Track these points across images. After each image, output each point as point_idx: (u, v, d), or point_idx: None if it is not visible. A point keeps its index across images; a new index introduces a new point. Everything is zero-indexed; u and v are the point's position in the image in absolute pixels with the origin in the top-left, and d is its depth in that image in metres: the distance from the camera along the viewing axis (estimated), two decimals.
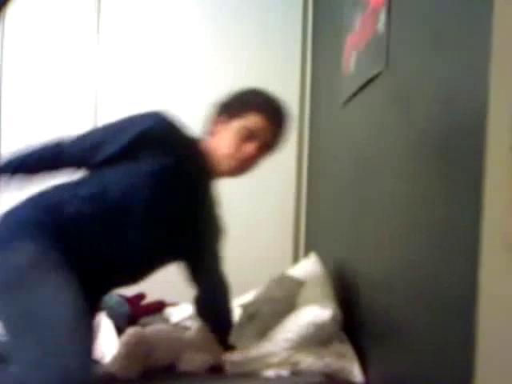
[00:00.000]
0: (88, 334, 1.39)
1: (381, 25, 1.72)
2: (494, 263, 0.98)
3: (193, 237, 1.70)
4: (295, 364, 1.75)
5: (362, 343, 1.84)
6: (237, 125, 1.67)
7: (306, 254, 2.96)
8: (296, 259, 3.02)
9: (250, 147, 1.67)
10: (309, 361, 1.75)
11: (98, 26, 3.22)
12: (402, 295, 1.52)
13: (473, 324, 1.04)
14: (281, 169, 3.01)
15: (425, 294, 1.35)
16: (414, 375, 1.43)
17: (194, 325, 1.90)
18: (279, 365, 1.75)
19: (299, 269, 2.26)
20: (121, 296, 2.27)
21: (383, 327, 1.68)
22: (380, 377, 1.69)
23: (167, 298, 2.51)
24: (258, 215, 2.99)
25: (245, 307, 2.01)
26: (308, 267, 2.22)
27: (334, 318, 1.81)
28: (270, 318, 1.92)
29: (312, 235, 2.90)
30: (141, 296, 2.39)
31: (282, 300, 1.99)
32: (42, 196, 1.52)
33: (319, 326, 1.78)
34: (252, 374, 1.74)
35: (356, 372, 1.75)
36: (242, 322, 1.96)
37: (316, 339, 1.79)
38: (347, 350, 1.82)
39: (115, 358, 1.66)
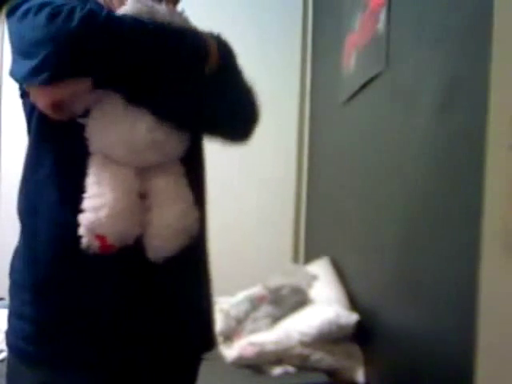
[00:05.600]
0: None
1: (381, 25, 1.72)
2: (494, 263, 0.98)
3: None
4: (305, 358, 1.76)
5: (362, 343, 1.84)
6: None
7: (306, 253, 2.96)
8: (296, 259, 3.02)
9: None
10: (319, 356, 1.76)
11: None
12: (402, 295, 1.52)
13: (473, 323, 1.04)
14: (281, 168, 3.01)
15: (425, 294, 1.36)
16: (413, 375, 1.43)
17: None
18: (291, 359, 1.76)
19: (311, 268, 2.29)
20: None
21: (383, 327, 1.68)
22: (380, 377, 1.69)
23: None
24: (257, 215, 2.99)
25: (269, 289, 2.02)
26: (320, 268, 2.24)
27: (356, 322, 1.82)
28: (286, 306, 1.95)
29: (312, 235, 2.90)
30: None
31: (299, 290, 2.02)
32: None
33: (341, 327, 1.79)
34: (260, 370, 1.75)
35: (360, 372, 1.76)
36: (256, 304, 1.98)
37: (332, 337, 1.80)
38: (355, 350, 1.83)
39: None
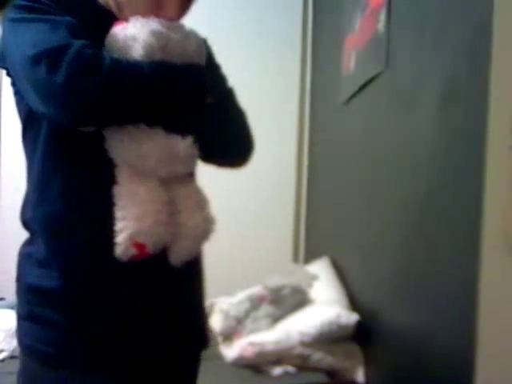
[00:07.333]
0: None
1: (381, 25, 1.73)
2: (494, 263, 0.98)
3: None
4: (305, 358, 1.77)
5: (362, 343, 1.84)
6: None
7: (306, 253, 2.96)
8: (296, 259, 3.02)
9: None
10: (319, 356, 1.76)
11: None
12: (402, 295, 1.52)
13: (473, 324, 1.04)
14: (281, 168, 3.01)
15: (425, 294, 1.36)
16: (413, 375, 1.43)
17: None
18: (291, 359, 1.77)
19: (311, 268, 2.29)
20: None
21: (383, 327, 1.68)
22: (380, 377, 1.69)
23: None
24: (258, 215, 2.99)
25: (270, 289, 2.02)
26: (320, 268, 2.24)
27: (356, 322, 1.82)
28: (287, 306, 1.96)
29: (312, 235, 2.90)
30: None
31: (300, 290, 2.03)
32: None
33: (341, 327, 1.79)
34: (260, 370, 1.75)
35: (360, 372, 1.76)
36: (256, 304, 1.98)
37: (332, 337, 1.80)
38: (355, 350, 1.83)
39: None
